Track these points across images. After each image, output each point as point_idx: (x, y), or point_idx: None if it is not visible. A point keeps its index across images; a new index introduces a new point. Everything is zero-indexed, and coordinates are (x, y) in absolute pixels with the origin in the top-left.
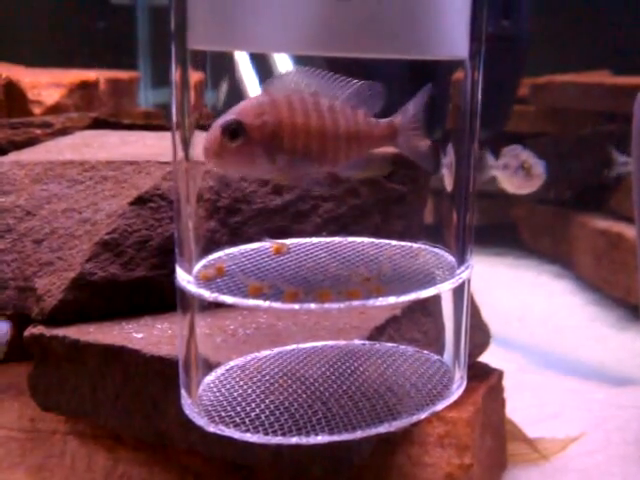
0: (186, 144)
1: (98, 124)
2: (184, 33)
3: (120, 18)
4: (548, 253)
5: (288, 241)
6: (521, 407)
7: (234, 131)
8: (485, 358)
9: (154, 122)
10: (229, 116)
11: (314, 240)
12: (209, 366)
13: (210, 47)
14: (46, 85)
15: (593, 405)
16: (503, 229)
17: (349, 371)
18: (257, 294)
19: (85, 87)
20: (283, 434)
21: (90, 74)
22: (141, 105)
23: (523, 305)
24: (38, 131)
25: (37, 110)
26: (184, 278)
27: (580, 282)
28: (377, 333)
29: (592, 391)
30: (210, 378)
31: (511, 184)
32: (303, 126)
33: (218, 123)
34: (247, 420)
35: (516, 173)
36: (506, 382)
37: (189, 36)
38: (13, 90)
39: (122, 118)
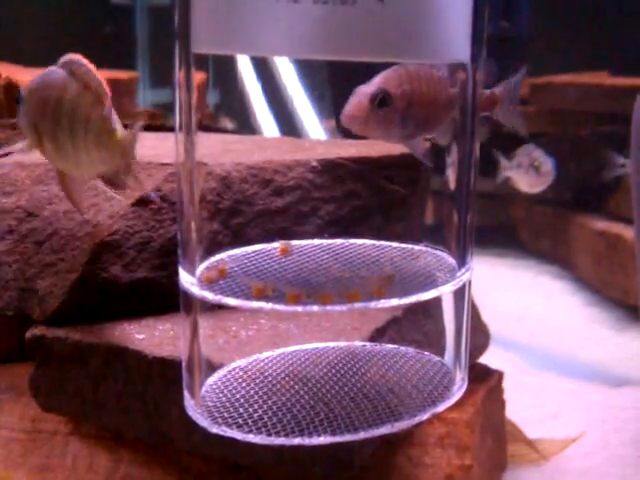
0: (189, 145)
1: None
2: (188, 34)
3: (119, 18)
4: (547, 254)
5: (281, 243)
6: (521, 408)
7: (382, 99)
8: (484, 359)
9: (156, 122)
10: (373, 87)
11: (315, 242)
12: (212, 367)
13: (213, 51)
14: None
15: (592, 406)
16: (502, 230)
17: (351, 372)
18: (260, 296)
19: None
20: (286, 435)
21: None
22: (140, 105)
23: (522, 306)
24: None
25: None
26: (187, 280)
27: (579, 283)
28: (378, 334)
29: (591, 392)
30: (213, 379)
31: (524, 183)
32: (427, 95)
33: (365, 91)
34: (250, 421)
35: (527, 172)
36: (505, 383)
37: (192, 39)
38: (13, 90)
39: (122, 118)
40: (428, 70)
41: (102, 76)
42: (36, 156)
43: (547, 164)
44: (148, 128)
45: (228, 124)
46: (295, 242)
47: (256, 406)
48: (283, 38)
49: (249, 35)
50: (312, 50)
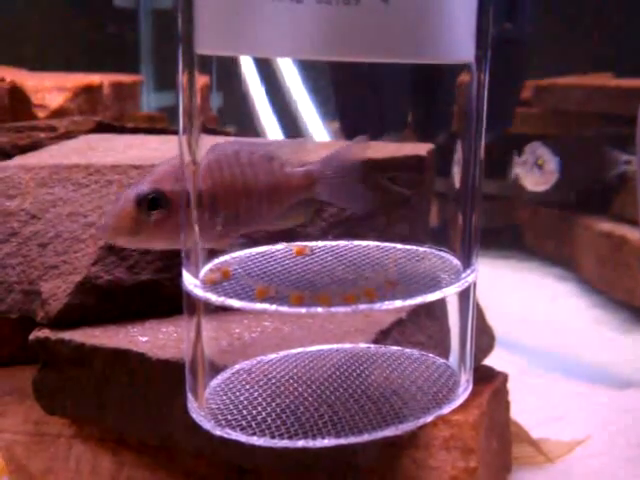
0: (192, 148)
1: (102, 128)
2: (191, 36)
3: (123, 21)
4: (552, 255)
5: (293, 245)
6: (526, 410)
7: (153, 201)
8: (489, 361)
9: (158, 126)
10: (142, 186)
11: (319, 244)
12: (215, 369)
13: (217, 52)
14: (50, 89)
15: (597, 408)
16: (507, 232)
17: (355, 374)
18: (263, 298)
19: (89, 91)
20: (289, 437)
21: (94, 78)
22: (144, 109)
23: (527, 308)
24: (42, 135)
25: (41, 114)
26: (191, 282)
27: (584, 285)
28: (382, 336)
29: (596, 394)
30: (216, 381)
31: (528, 180)
32: (241, 184)
33: (130, 193)
34: (253, 423)
35: (532, 170)
36: (510, 385)
37: (196, 41)
38: (17, 94)
39: (125, 122)
40: (244, 153)
41: (106, 80)
42: (39, 159)
43: (551, 163)
44: (151, 131)
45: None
46: (299, 244)
47: (260, 408)
48: (286, 39)
49: (252, 36)
50: (315, 51)
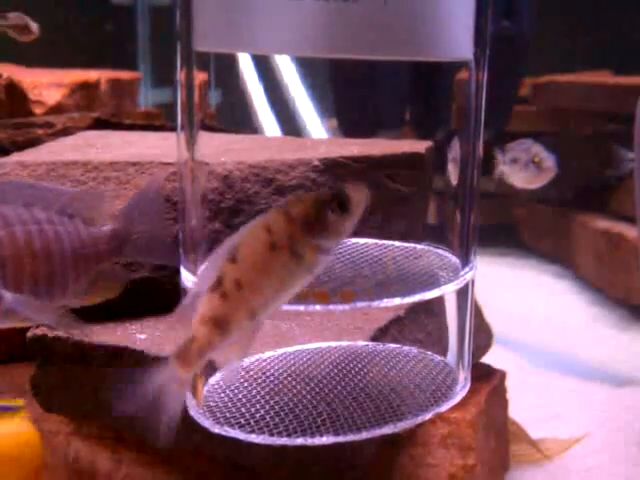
0: (191, 144)
1: (99, 124)
2: (189, 33)
3: (121, 18)
4: (549, 253)
5: None
6: (524, 407)
7: None
8: (487, 359)
9: (155, 122)
10: None
11: None
12: (214, 367)
13: (215, 49)
14: (47, 85)
15: (595, 405)
16: (504, 229)
17: (353, 372)
18: None
19: (86, 87)
20: (288, 435)
21: (91, 74)
22: (141, 105)
23: (524, 305)
24: (40, 131)
25: (38, 110)
26: (189, 279)
27: (581, 282)
28: (380, 334)
29: (594, 391)
30: (215, 379)
31: (519, 179)
32: (27, 249)
33: None
34: (252, 421)
35: (526, 167)
36: (508, 382)
37: (194, 37)
38: (14, 90)
39: (123, 118)
40: (38, 207)
41: (104, 76)
42: (37, 155)
43: (548, 160)
44: (149, 128)
45: None
46: None
47: (258, 406)
48: (284, 36)
49: (250, 33)
50: (314, 48)
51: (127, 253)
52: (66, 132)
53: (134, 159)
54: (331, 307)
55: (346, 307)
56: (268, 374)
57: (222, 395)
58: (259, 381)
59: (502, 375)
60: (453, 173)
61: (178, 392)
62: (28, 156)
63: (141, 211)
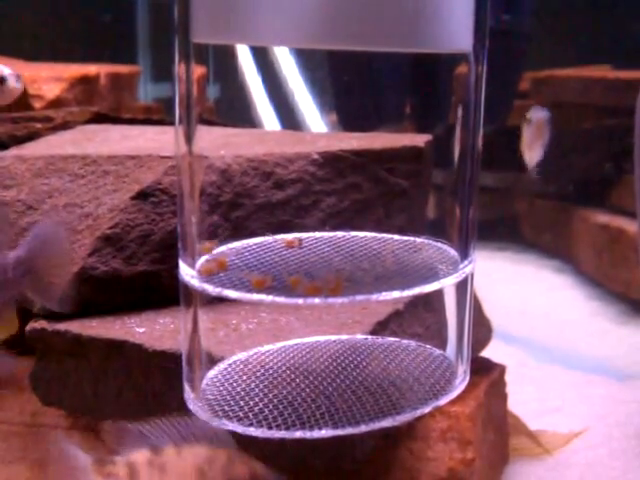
0: (189, 138)
1: (99, 118)
2: (187, 26)
3: (120, 12)
4: (549, 247)
5: (290, 236)
6: (523, 401)
7: None
8: (486, 353)
9: (154, 117)
10: None
11: (317, 234)
12: (212, 360)
13: (214, 40)
14: (46, 79)
15: (594, 399)
16: (503, 223)
17: (352, 365)
18: (260, 288)
19: (86, 81)
20: (287, 428)
21: (90, 68)
22: (141, 99)
23: (524, 299)
24: (39, 125)
25: (38, 104)
26: (187, 272)
27: (581, 276)
28: (380, 327)
29: (593, 385)
30: (213, 372)
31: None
32: None
33: None
34: (250, 414)
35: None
36: (508, 376)
37: (192, 29)
38: None
39: (122, 112)
40: None
41: (103, 70)
42: (35, 149)
43: (538, 112)
44: (148, 122)
45: None
46: (296, 235)
47: (257, 399)
48: (283, 27)
49: (249, 24)
50: (313, 40)
51: (26, 284)
52: (65, 126)
53: (133, 153)
54: (330, 300)
55: (345, 300)
56: (267, 367)
57: (220, 388)
58: (258, 374)
59: (501, 369)
60: (456, 167)
61: None
62: (27, 150)
63: (43, 243)
